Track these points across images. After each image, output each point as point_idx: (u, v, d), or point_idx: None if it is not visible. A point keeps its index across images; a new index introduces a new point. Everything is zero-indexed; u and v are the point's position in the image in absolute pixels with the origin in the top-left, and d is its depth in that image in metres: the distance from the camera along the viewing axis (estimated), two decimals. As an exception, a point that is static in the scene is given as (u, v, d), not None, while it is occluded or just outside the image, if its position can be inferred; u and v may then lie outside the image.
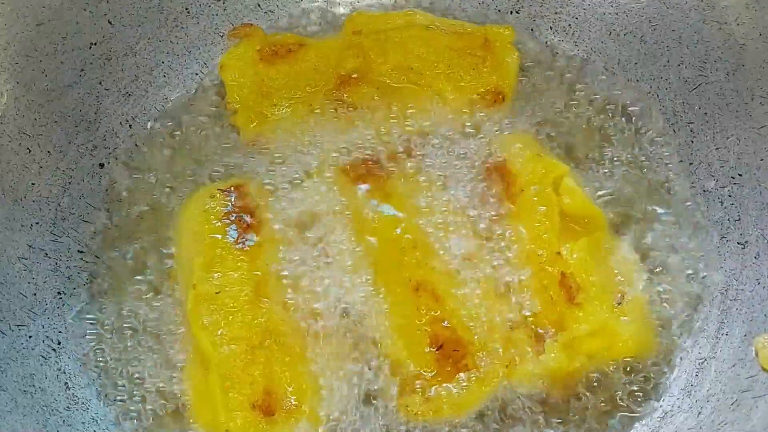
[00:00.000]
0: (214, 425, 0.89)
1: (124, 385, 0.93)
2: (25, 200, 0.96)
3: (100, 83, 1.04)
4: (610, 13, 1.08)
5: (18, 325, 0.92)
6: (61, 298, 0.96)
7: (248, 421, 0.87)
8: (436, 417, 0.89)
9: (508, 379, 0.90)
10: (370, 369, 0.91)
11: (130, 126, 1.06)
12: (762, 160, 0.96)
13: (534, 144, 1.02)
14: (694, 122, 1.02)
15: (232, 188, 0.99)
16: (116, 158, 1.05)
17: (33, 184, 0.97)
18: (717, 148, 1.00)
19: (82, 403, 0.92)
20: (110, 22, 1.04)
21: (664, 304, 0.96)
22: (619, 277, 0.95)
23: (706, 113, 1.01)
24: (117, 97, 1.06)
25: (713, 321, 0.95)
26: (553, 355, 0.90)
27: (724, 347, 0.93)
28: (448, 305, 0.92)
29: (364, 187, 0.99)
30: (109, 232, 1.01)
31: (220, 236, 0.95)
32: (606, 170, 1.02)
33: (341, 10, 1.14)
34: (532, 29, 1.12)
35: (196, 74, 1.11)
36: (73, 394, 0.92)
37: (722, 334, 0.94)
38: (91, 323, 0.96)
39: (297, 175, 1.01)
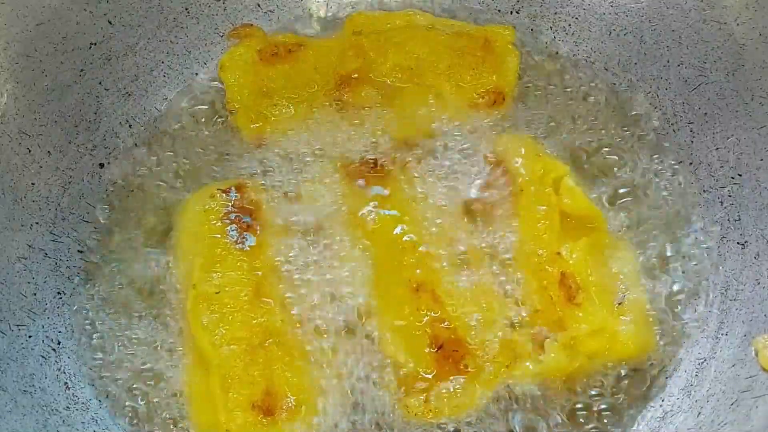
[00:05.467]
0: (214, 425, 0.89)
1: (123, 385, 0.93)
2: (25, 200, 0.96)
3: (100, 83, 1.04)
4: (610, 13, 1.08)
5: (18, 325, 0.92)
6: (61, 298, 0.96)
7: (248, 421, 0.87)
8: (436, 417, 0.89)
9: (508, 379, 0.90)
10: (370, 369, 0.91)
11: (130, 126, 1.06)
12: (762, 160, 0.96)
13: (534, 144, 1.02)
14: (694, 122, 1.02)
15: (232, 188, 0.99)
16: (116, 158, 1.05)
17: (33, 184, 0.97)
18: (717, 148, 1.00)
19: (82, 403, 0.92)
20: (110, 22, 1.04)
21: (664, 304, 0.96)
22: (619, 277, 0.95)
23: (706, 113, 1.01)
24: (117, 97, 1.06)
25: (713, 321, 0.95)
26: (553, 355, 0.90)
27: (724, 347, 0.93)
28: (448, 305, 0.92)
29: (364, 187, 0.99)
30: (109, 232, 1.01)
31: (220, 236, 0.95)
32: (605, 170, 1.02)
33: (341, 10, 1.14)
34: (532, 29, 1.12)
35: (196, 74, 1.11)
36: (73, 394, 0.92)
37: (722, 334, 0.94)
38: (91, 323, 0.96)
39: (297, 175, 1.01)
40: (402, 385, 0.90)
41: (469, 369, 0.90)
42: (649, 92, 1.06)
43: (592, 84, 1.08)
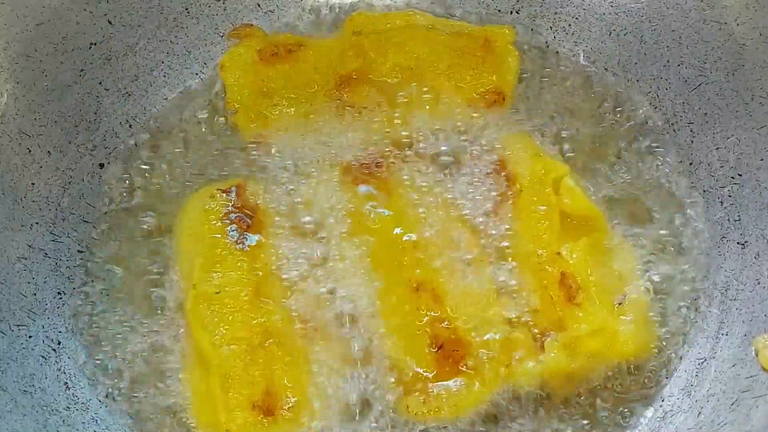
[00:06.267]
0: (214, 425, 0.89)
1: (124, 385, 0.93)
2: (25, 200, 0.96)
3: (100, 83, 1.04)
4: (610, 13, 1.08)
5: (18, 325, 0.92)
6: (61, 298, 0.96)
7: (248, 421, 0.87)
8: (436, 417, 0.89)
9: (508, 379, 0.90)
10: (370, 369, 0.91)
11: (130, 126, 1.06)
12: (762, 160, 0.96)
13: (534, 144, 1.02)
14: (694, 122, 1.02)
15: (232, 188, 0.99)
16: (116, 158, 1.05)
17: (33, 184, 0.97)
18: (717, 148, 1.00)
19: (82, 403, 0.92)
20: (110, 22, 1.04)
21: (664, 304, 0.96)
22: (619, 277, 0.95)
23: (706, 113, 1.01)
24: (117, 97, 1.06)
25: (713, 321, 0.95)
26: (553, 355, 0.90)
27: (724, 347, 0.93)
28: (448, 305, 0.92)
29: (364, 187, 0.99)
30: (109, 232, 1.01)
31: (220, 236, 0.95)
32: (606, 170, 1.02)
33: (341, 10, 1.14)
34: (532, 29, 1.12)
35: (196, 74, 1.11)
36: (73, 394, 0.92)
37: (722, 334, 0.94)
38: (90, 323, 0.96)
39: (297, 175, 1.01)
40: (402, 385, 0.90)
41: (469, 369, 0.90)
42: (649, 92, 1.06)
43: (592, 84, 1.08)
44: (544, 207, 0.96)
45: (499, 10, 1.13)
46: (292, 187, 1.00)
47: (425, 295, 0.92)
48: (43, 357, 0.92)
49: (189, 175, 1.03)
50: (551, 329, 0.91)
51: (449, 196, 0.99)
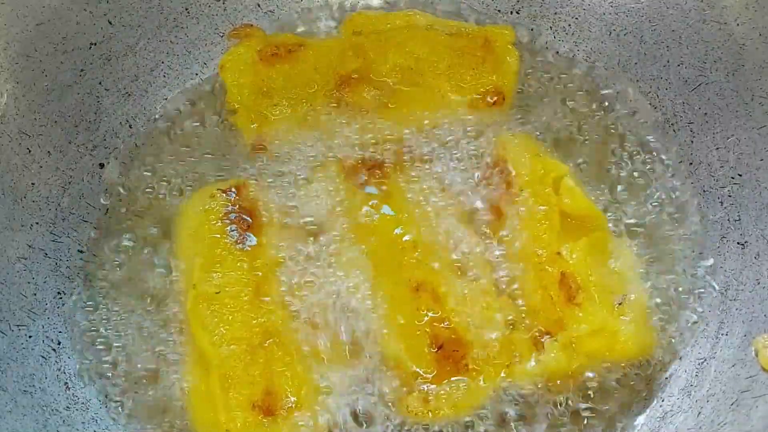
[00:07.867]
0: (214, 425, 0.89)
1: (124, 385, 0.93)
2: (25, 200, 0.96)
3: (100, 83, 1.04)
4: (610, 13, 1.08)
5: (18, 325, 0.92)
6: (61, 298, 0.96)
7: (248, 421, 0.87)
8: (435, 417, 0.89)
9: (507, 379, 0.90)
10: (370, 369, 0.91)
11: (130, 126, 1.06)
12: (762, 160, 0.96)
13: (534, 144, 1.02)
14: (694, 122, 1.02)
15: (232, 188, 0.99)
16: (116, 158, 1.05)
17: (33, 184, 0.97)
18: (717, 148, 1.00)
19: (82, 403, 0.92)
20: (110, 22, 1.04)
21: (664, 304, 0.96)
22: (619, 277, 0.95)
23: (706, 113, 1.01)
24: (117, 97, 1.06)
25: (713, 321, 0.95)
26: (552, 355, 0.90)
27: (724, 347, 0.93)
28: (448, 305, 0.92)
29: (364, 186, 0.99)
30: (109, 232, 1.01)
31: (220, 236, 0.95)
32: (605, 170, 1.02)
33: (341, 10, 1.14)
34: (532, 29, 1.12)
35: (196, 74, 1.11)
36: (73, 394, 0.92)
37: (722, 334, 0.94)
38: (90, 323, 0.96)
39: (297, 175, 1.01)
40: (402, 384, 0.90)
41: (469, 369, 0.90)
42: (649, 92, 1.06)
43: (592, 84, 1.08)
44: (544, 207, 0.96)
45: (499, 10, 1.13)
46: (292, 187, 1.00)
47: (425, 295, 0.92)
48: (43, 357, 0.92)
49: (189, 175, 1.03)
50: (551, 329, 0.91)
51: (449, 195, 0.99)
